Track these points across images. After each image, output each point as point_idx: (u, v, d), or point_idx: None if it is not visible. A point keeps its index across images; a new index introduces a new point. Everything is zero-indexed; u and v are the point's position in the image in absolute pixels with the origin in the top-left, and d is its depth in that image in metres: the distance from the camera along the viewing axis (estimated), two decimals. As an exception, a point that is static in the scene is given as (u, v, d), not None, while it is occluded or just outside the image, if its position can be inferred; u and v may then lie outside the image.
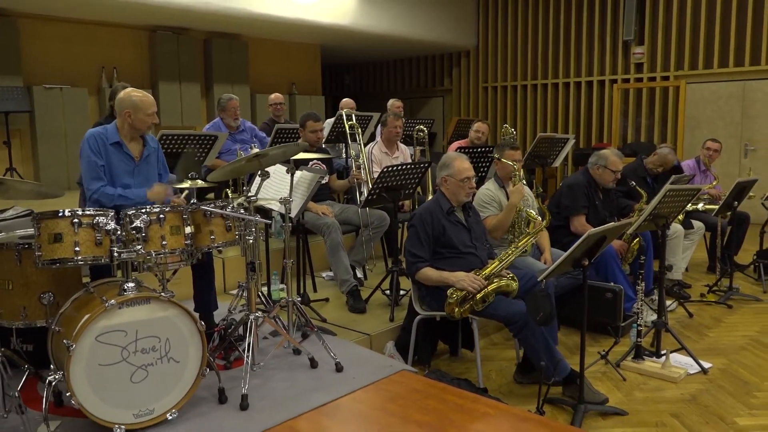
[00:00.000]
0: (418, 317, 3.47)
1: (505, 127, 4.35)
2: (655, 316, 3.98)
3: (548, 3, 10.36)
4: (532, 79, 10.77)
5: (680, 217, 5.22)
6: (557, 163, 6.08)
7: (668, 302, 4.69)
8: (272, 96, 6.15)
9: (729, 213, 5.25)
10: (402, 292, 4.23)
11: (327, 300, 4.42)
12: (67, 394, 2.40)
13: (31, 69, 7.46)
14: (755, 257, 5.68)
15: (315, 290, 4.59)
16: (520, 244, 3.46)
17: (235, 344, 3.15)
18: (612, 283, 4.19)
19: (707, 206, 5.62)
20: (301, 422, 2.61)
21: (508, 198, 4.04)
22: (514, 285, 3.28)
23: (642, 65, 9.55)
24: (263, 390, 2.88)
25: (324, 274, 5.05)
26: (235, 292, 3.53)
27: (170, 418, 2.56)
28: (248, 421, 2.60)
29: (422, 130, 6.02)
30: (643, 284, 3.81)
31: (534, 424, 2.58)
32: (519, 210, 3.99)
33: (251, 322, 2.95)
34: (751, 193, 5.51)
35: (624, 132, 9.93)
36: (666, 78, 9.33)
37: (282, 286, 4.50)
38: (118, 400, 2.45)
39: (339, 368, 3.09)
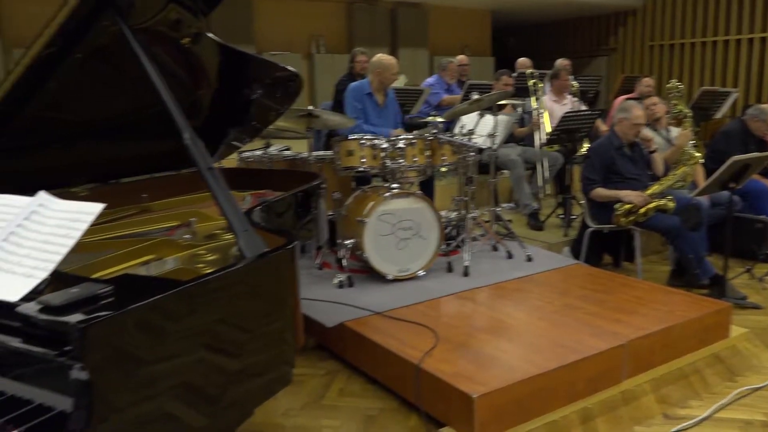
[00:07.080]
0: (589, 229, 4.46)
1: (672, 81, 4.98)
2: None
3: (723, -41, 10.37)
4: (701, 36, 10.85)
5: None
6: (719, 115, 6.59)
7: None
8: (459, 57, 7.25)
9: None
10: (572, 216, 5.20)
11: (510, 221, 5.50)
12: (358, 252, 3.75)
13: (261, 37, 9.20)
14: None
15: (502, 215, 5.70)
16: (678, 172, 4.33)
17: (454, 238, 4.35)
18: (763, 216, 4.87)
19: None
20: (508, 284, 3.77)
21: (664, 140, 4.84)
22: (671, 205, 4.14)
23: (823, 20, 9.40)
24: (476, 268, 4.03)
25: (504, 205, 6.13)
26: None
27: (420, 274, 3.83)
28: (471, 282, 3.80)
29: (573, 85, 6.80)
30: (788, 212, 4.48)
31: (680, 296, 3.52)
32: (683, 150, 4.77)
33: (468, 220, 4.14)
34: None
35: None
36: None
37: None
38: (389, 259, 3.75)
39: (529, 259, 4.19)
